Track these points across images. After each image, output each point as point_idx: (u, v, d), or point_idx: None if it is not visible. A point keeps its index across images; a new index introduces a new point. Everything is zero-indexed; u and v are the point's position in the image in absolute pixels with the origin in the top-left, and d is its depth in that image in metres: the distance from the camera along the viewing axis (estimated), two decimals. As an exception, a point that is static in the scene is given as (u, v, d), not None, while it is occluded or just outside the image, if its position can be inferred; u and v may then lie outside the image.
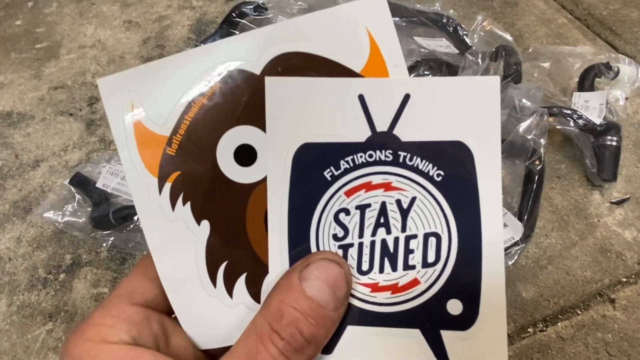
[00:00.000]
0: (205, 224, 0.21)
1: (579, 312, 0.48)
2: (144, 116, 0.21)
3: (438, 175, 0.21)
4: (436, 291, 0.21)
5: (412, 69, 0.59)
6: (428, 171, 0.21)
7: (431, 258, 0.21)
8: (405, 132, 0.21)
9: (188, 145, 0.21)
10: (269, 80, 0.21)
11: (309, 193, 0.21)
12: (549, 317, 0.47)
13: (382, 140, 0.21)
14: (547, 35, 0.75)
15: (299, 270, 0.20)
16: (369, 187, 0.21)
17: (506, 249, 0.48)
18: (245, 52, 0.21)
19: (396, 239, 0.21)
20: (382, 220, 0.21)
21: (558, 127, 0.55)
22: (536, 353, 0.45)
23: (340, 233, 0.21)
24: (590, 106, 0.57)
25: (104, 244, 0.51)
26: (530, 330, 0.47)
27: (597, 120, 0.55)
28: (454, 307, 0.21)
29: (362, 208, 0.21)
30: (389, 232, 0.21)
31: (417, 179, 0.21)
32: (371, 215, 0.21)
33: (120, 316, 0.20)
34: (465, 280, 0.21)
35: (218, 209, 0.21)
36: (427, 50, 0.63)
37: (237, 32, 0.72)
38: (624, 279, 0.50)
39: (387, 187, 0.21)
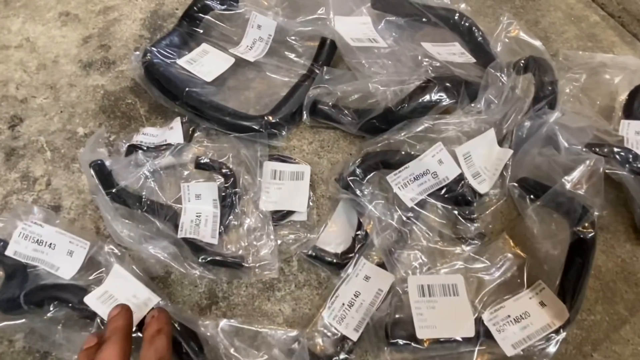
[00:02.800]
0: None
1: (635, 418, 0.38)
2: None
3: None
4: None
5: (423, 91, 0.46)
6: None
7: None
8: None
9: None
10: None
11: None
12: None
13: None
14: (578, 36, 0.62)
15: None
16: None
17: (546, 337, 0.37)
18: None
19: None
20: None
21: (606, 170, 0.44)
22: None
23: None
24: (645, 141, 0.45)
25: (17, 334, 0.38)
26: None
27: (656, 161, 0.43)
28: None
29: None
30: None
31: None
32: None
33: None
34: None
35: None
36: (438, 63, 0.50)
37: (200, 31, 0.58)
38: (687, 369, 0.40)
39: None
